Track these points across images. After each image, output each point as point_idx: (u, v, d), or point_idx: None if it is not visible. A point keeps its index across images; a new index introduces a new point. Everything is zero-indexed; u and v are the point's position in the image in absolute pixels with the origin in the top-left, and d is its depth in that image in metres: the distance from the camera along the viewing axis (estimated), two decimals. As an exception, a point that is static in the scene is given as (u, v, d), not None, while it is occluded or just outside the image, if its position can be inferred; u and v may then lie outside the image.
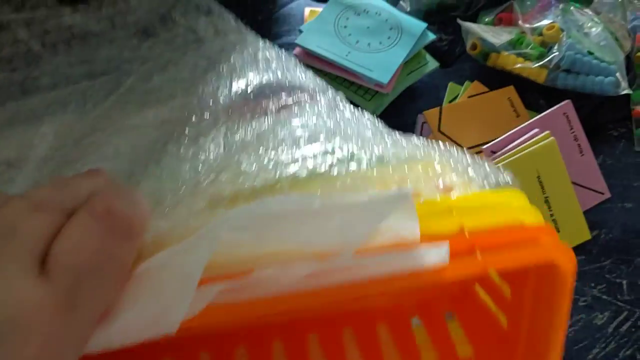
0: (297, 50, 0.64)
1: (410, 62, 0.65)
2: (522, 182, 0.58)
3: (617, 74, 0.61)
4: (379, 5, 0.66)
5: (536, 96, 0.66)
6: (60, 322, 0.21)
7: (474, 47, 0.65)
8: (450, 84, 0.65)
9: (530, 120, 0.59)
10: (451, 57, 0.71)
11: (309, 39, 0.63)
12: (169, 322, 0.22)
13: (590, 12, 0.67)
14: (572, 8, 0.66)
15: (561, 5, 0.66)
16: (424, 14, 0.70)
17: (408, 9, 0.71)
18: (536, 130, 0.58)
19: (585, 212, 0.61)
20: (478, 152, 0.59)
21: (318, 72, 0.62)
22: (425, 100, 0.66)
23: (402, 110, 0.65)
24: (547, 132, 0.58)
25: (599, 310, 0.59)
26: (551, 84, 0.63)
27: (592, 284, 0.59)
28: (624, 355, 0.59)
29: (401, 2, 0.72)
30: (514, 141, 0.58)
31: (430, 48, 0.67)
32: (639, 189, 0.63)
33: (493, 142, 0.58)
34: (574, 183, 0.61)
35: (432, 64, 0.66)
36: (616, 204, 0.62)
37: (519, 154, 0.57)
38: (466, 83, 0.65)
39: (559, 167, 0.58)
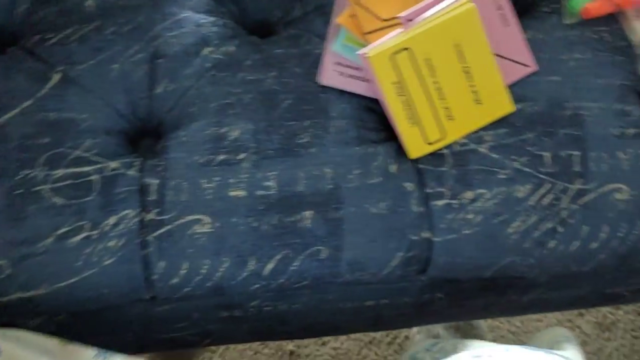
0: None
1: None
2: (440, 51, 0.56)
3: (545, -61, 0.58)
4: None
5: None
6: None
7: None
8: (372, -45, 0.62)
9: (450, -13, 0.57)
10: None
11: None
12: None
13: None
14: None
15: None
16: None
17: None
18: (455, -4, 0.56)
19: (511, 86, 0.59)
20: (396, 24, 0.57)
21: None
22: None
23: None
24: (466, -3, 0.55)
25: (520, 183, 0.58)
26: (477, -47, 0.60)
27: (514, 157, 0.58)
28: (545, 229, 0.58)
29: None
30: (431, 9, 0.56)
31: None
32: (567, 62, 0.61)
33: (410, 10, 0.56)
34: (497, 55, 0.59)
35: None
36: (543, 77, 0.60)
37: (437, 21, 0.55)
38: (388, -47, 0.62)
39: (479, 36, 0.56)
